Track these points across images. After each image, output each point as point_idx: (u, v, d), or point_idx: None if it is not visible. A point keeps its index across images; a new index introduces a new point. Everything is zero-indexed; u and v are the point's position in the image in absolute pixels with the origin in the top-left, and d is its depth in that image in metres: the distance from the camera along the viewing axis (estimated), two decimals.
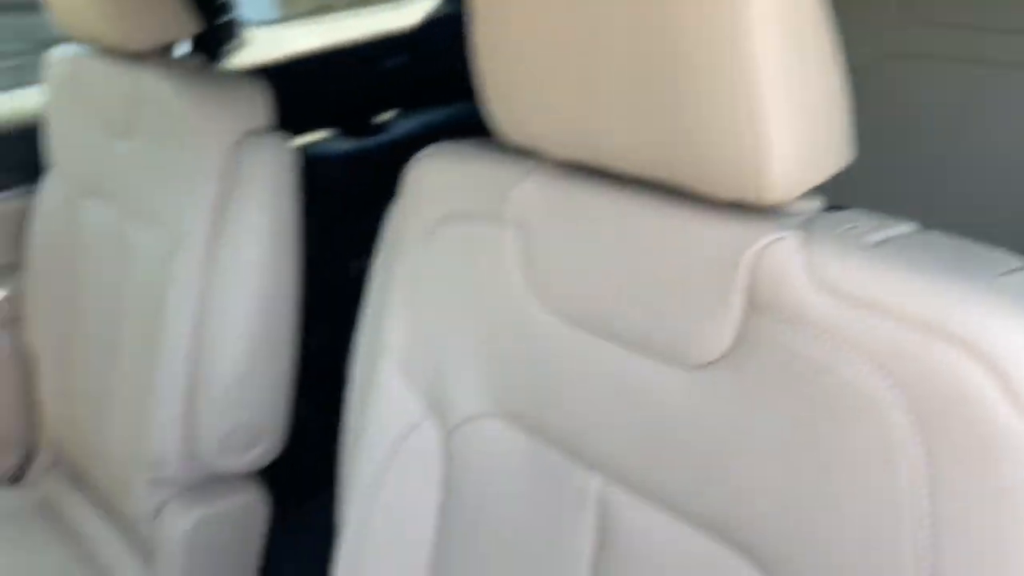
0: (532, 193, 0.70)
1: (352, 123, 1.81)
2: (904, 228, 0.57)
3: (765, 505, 0.58)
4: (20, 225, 1.47)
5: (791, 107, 0.52)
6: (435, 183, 0.78)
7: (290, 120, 1.68)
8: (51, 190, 1.41)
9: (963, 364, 0.48)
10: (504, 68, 0.65)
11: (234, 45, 1.71)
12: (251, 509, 1.25)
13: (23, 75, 1.53)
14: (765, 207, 0.59)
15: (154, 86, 1.14)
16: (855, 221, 0.57)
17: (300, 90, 1.76)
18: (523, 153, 0.73)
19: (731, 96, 0.52)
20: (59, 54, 1.34)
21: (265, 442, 1.19)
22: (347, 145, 1.76)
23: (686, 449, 0.62)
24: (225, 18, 1.67)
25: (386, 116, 1.88)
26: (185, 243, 1.12)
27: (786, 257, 0.55)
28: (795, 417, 0.56)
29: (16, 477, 1.54)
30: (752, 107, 0.51)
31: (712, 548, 0.61)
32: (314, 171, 1.73)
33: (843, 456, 0.54)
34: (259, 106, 1.14)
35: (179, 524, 1.18)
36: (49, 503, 1.43)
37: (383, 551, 0.84)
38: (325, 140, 1.79)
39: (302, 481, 1.45)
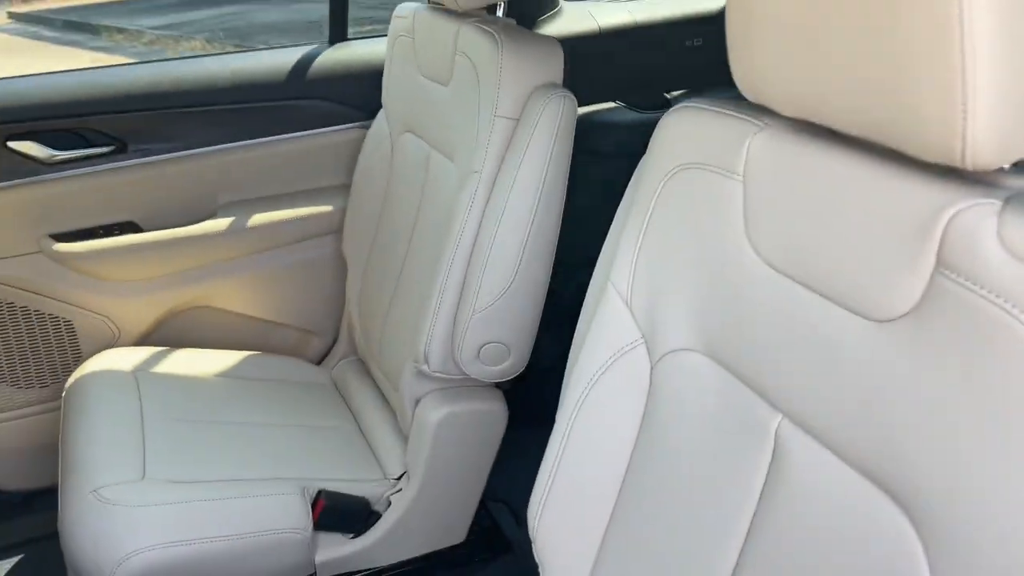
0: (761, 148, 0.77)
1: (645, 96, 1.91)
2: None
3: (924, 458, 0.61)
4: (356, 153, 1.76)
5: (1003, 75, 0.54)
6: (679, 135, 0.87)
7: (588, 87, 1.83)
8: (379, 125, 1.67)
9: None
10: (745, 29, 0.72)
11: (550, 14, 1.88)
12: (492, 417, 1.42)
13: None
14: (973, 174, 0.62)
15: (470, 39, 1.33)
16: None
17: (601, 61, 1.90)
18: (761, 111, 0.79)
19: (942, 59, 0.55)
20: (402, 10, 1.59)
21: (512, 360, 1.36)
22: (635, 116, 1.87)
23: (860, 398, 0.67)
24: None
25: (676, 93, 1.96)
26: (473, 176, 1.30)
27: (979, 222, 0.58)
28: (966, 377, 0.58)
29: (320, 359, 1.86)
30: (962, 72, 0.54)
31: (868, 492, 0.65)
32: (601, 136, 1.87)
33: (1008, 416, 0.56)
34: (553, 64, 1.29)
35: (431, 415, 1.39)
36: (339, 383, 1.72)
37: (583, 456, 0.95)
38: (616, 109, 1.91)
39: (535, 408, 1.61)
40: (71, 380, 1.55)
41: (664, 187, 0.88)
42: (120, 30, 8.63)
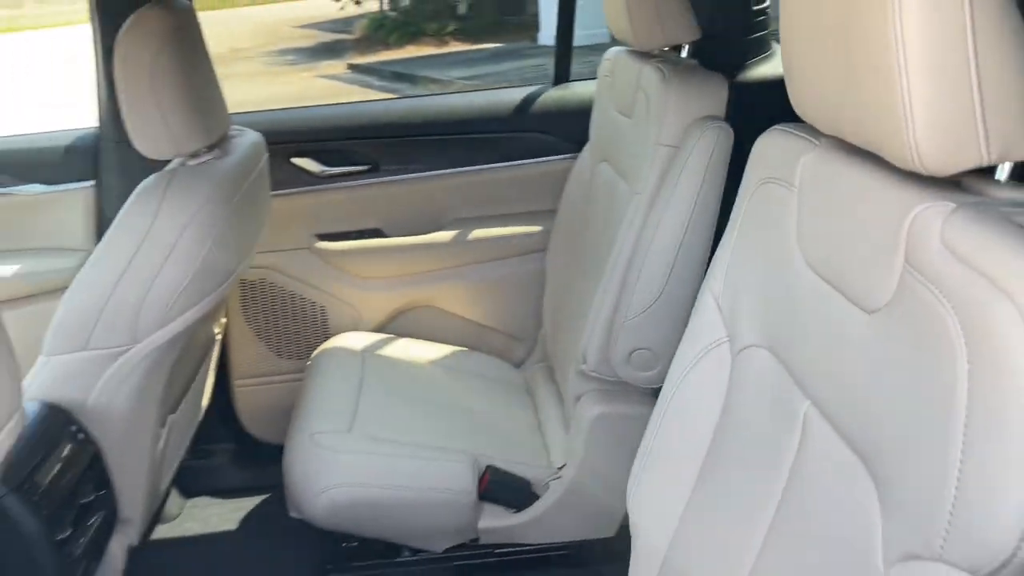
0: (811, 163, 0.85)
1: None
2: None
3: (888, 425, 0.68)
4: (565, 181, 1.97)
5: (933, 92, 0.61)
6: (762, 154, 0.97)
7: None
8: (584, 156, 1.87)
9: (1012, 322, 0.55)
10: (792, 58, 0.82)
11: (762, 57, 1.97)
12: (643, 421, 1.53)
13: None
14: (961, 182, 0.68)
15: (647, 75, 1.49)
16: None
17: None
18: (815, 131, 0.88)
19: (889, 80, 0.63)
20: (609, 53, 1.78)
21: (661, 368, 1.47)
22: None
23: (854, 381, 0.74)
24: (756, 35, 1.95)
25: None
26: (636, 197, 1.45)
27: (930, 223, 0.64)
28: (916, 365, 0.65)
29: (521, 363, 2.08)
30: (900, 90, 0.62)
31: (848, 458, 0.73)
32: None
33: (934, 389, 0.62)
34: (715, 99, 1.41)
35: (586, 412, 1.54)
36: (529, 383, 1.93)
37: (673, 438, 1.06)
38: None
39: None
40: (315, 353, 1.90)
41: (750, 200, 0.98)
42: (435, 80, 9.70)
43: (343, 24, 13.66)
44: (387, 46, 12.13)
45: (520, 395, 1.89)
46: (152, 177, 1.39)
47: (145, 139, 1.35)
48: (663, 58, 1.53)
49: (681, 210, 1.38)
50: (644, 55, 1.59)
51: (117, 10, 1.59)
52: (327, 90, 9.63)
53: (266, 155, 1.68)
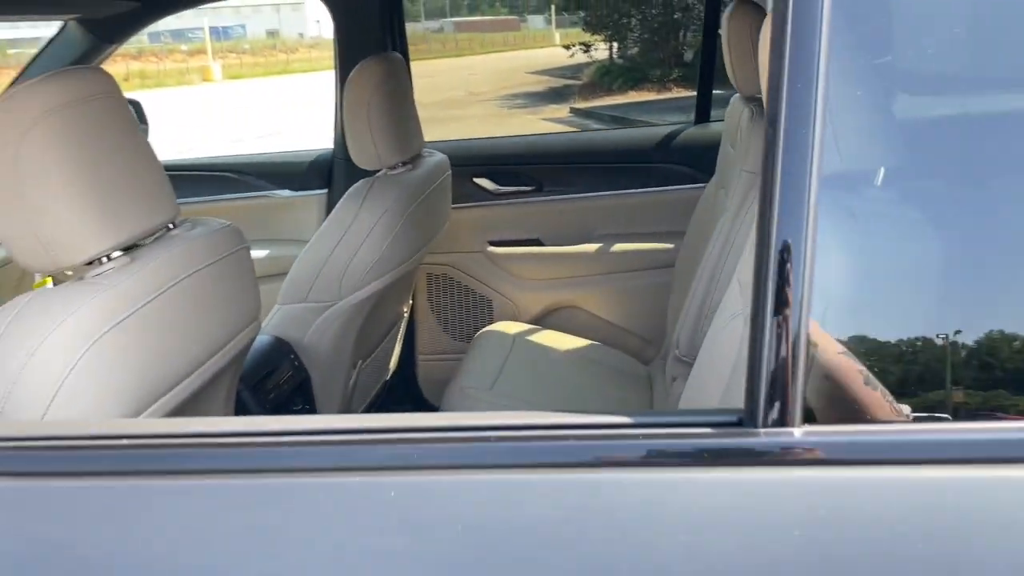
0: None
1: None
2: None
3: None
4: (690, 205, 2.31)
5: None
6: None
7: None
8: (711, 184, 2.20)
9: None
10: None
11: None
12: None
13: None
14: None
15: (744, 114, 1.82)
16: None
17: None
18: None
19: None
20: (733, 98, 2.11)
21: None
22: None
23: None
24: None
25: None
26: (725, 213, 1.78)
27: None
28: None
29: (648, 362, 2.42)
30: None
31: None
32: None
33: None
34: None
35: (678, 391, 1.86)
36: (652, 377, 2.26)
37: (709, 377, 1.39)
38: None
39: None
40: (476, 335, 2.36)
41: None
42: (649, 124, 10.13)
43: (572, 71, 14.43)
44: (610, 92, 12.69)
45: (640, 384, 2.23)
46: (360, 182, 1.91)
47: (360, 155, 1.87)
48: (752, 101, 1.85)
49: (752, 226, 1.69)
50: (750, 98, 1.92)
51: (352, 60, 2.15)
52: (548, 132, 10.32)
53: (448, 172, 2.16)
